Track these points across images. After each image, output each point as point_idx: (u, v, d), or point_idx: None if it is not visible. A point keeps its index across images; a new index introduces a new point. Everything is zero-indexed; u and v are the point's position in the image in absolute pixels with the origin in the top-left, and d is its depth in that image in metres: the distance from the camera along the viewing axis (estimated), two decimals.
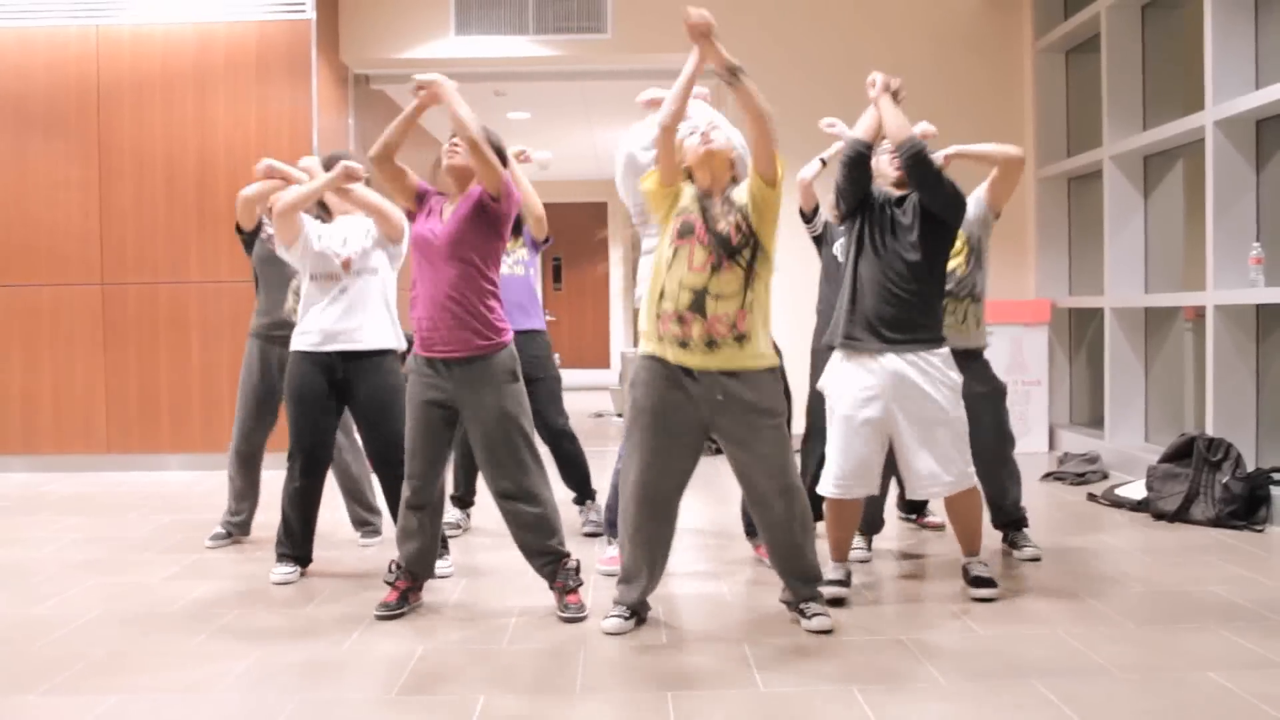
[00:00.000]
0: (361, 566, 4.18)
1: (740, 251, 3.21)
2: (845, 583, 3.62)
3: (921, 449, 3.49)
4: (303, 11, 6.85)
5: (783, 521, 3.30)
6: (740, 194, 3.29)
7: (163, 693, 2.83)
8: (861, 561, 4.06)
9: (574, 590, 3.48)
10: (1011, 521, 4.21)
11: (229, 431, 6.90)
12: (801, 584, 3.35)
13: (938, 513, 4.59)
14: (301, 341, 3.96)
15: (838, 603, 3.48)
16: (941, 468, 3.50)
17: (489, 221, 3.41)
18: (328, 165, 3.96)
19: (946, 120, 7.36)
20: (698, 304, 3.19)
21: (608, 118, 10.13)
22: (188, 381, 6.86)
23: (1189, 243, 6.11)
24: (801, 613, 3.32)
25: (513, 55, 7.37)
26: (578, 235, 14.12)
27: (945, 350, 3.56)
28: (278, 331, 4.50)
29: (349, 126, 7.51)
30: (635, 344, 4.60)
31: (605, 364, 14.30)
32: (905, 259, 3.51)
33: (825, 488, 3.59)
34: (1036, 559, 4.10)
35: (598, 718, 2.64)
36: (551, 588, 3.51)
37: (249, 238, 4.53)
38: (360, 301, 3.95)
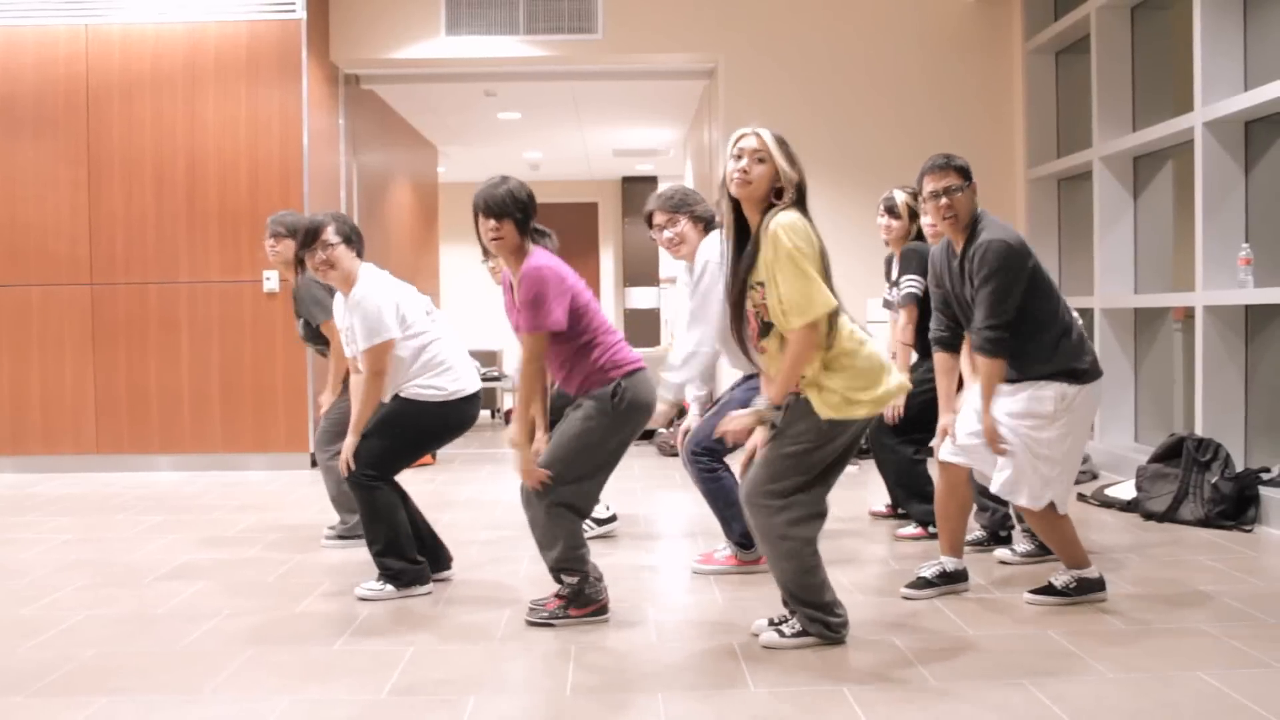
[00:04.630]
0: (355, 566, 4.17)
1: (772, 328, 2.99)
2: None
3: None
4: (293, 11, 6.83)
5: None
6: (762, 264, 2.95)
7: (153, 694, 2.83)
8: None
9: (559, 596, 3.41)
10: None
11: (218, 432, 6.91)
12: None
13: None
14: None
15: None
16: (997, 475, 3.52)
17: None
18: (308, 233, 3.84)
19: (936, 121, 7.46)
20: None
21: (598, 118, 10.12)
22: (177, 382, 6.84)
23: (1178, 243, 6.13)
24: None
25: (503, 55, 7.37)
26: (568, 236, 14.07)
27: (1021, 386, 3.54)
28: None
29: (339, 126, 7.49)
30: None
31: None
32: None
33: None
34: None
35: (588, 719, 2.64)
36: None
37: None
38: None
